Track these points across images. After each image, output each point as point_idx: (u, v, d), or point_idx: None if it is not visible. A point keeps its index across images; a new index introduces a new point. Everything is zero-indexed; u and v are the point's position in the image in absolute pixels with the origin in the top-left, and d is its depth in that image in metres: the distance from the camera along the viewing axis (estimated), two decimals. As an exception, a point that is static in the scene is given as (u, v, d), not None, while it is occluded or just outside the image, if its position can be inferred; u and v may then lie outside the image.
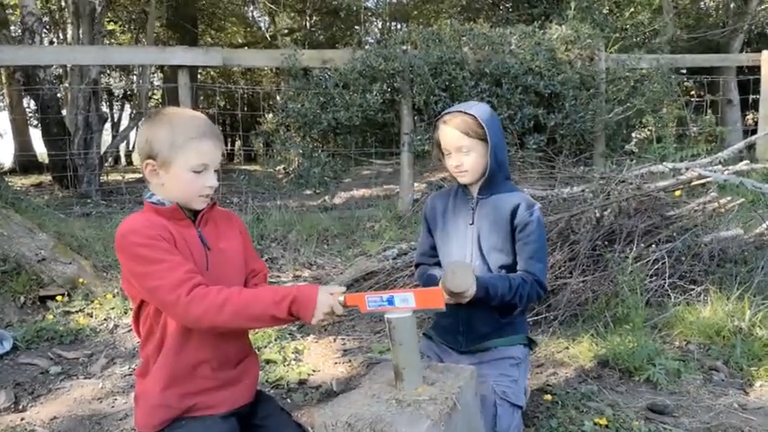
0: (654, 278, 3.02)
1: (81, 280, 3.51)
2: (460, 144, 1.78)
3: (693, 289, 3.01)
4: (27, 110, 13.51)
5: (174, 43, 12.70)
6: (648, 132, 6.44)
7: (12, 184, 6.48)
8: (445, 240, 1.92)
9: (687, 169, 3.87)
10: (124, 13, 14.43)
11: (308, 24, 15.88)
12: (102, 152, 7.92)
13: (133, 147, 15.18)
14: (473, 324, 1.85)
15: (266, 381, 2.51)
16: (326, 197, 6.08)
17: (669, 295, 2.99)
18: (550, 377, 2.46)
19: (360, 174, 7.99)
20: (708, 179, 3.48)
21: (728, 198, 3.57)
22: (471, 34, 5.51)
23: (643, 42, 8.10)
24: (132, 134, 11.18)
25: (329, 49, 10.58)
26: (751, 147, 6.26)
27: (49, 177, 8.12)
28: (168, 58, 5.54)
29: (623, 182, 3.51)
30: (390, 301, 1.38)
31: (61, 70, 10.30)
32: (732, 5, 9.76)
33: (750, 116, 10.11)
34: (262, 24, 18.02)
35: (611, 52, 6.32)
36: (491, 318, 1.83)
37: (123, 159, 15.94)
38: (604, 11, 8.16)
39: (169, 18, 13.64)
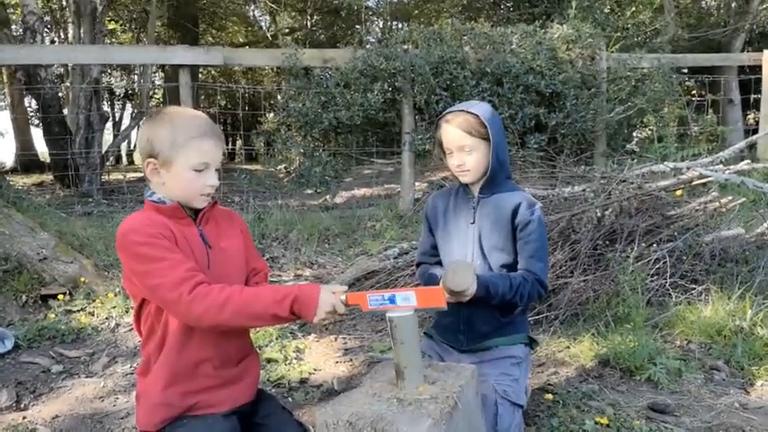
0: (655, 277, 3.02)
1: (82, 279, 3.51)
2: (463, 143, 1.78)
3: (694, 288, 3.01)
4: (28, 109, 13.53)
5: (175, 42, 12.70)
6: (649, 132, 6.43)
7: (13, 184, 6.48)
8: (446, 240, 1.92)
9: (688, 169, 3.87)
10: (125, 13, 14.44)
11: (309, 24, 15.88)
12: (103, 151, 7.94)
13: (134, 146, 15.20)
14: (474, 323, 1.85)
15: (267, 380, 2.52)
16: (327, 196, 6.08)
17: (670, 294, 2.99)
18: (551, 376, 2.46)
19: (361, 173, 7.99)
20: (709, 179, 3.48)
21: (729, 197, 3.57)
22: (472, 34, 5.51)
23: (644, 42, 8.09)
24: (133, 133, 11.19)
25: (330, 48, 10.60)
26: (752, 146, 6.25)
27: (51, 177, 8.12)
28: (169, 57, 5.54)
29: (624, 181, 3.51)
30: (392, 300, 1.38)
31: (62, 69, 10.29)
32: (733, 5, 9.75)
33: (751, 115, 10.11)
34: (263, 24, 18.04)
35: (612, 52, 6.31)
36: (492, 317, 1.83)
37: (125, 159, 15.94)
38: (605, 10, 8.15)
39: (170, 17, 13.64)
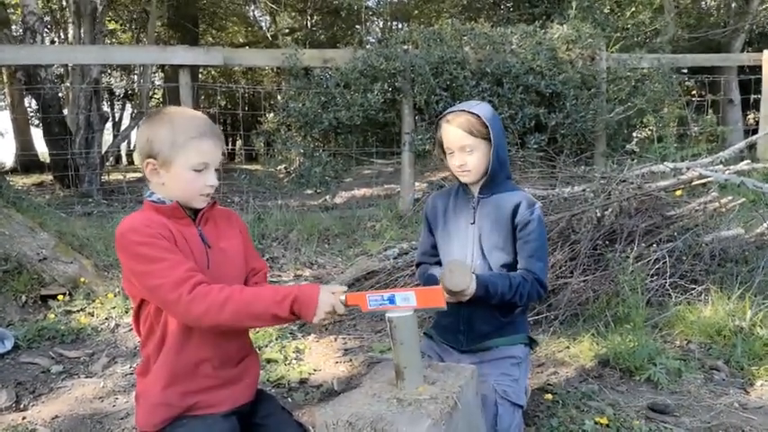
0: (654, 278, 3.02)
1: (82, 279, 3.51)
2: (464, 143, 1.78)
3: (694, 288, 3.01)
4: (28, 109, 13.52)
5: (175, 43, 12.70)
6: (649, 132, 6.43)
7: (13, 184, 6.48)
8: (446, 240, 1.92)
9: (688, 169, 3.87)
10: (125, 13, 14.43)
11: (308, 24, 15.88)
12: (103, 151, 7.93)
13: (134, 146, 15.15)
14: (474, 323, 1.85)
15: (267, 380, 2.52)
16: (327, 197, 6.08)
17: (670, 295, 2.99)
18: (551, 376, 2.46)
19: (360, 173, 7.99)
20: (709, 179, 3.48)
21: (729, 198, 3.57)
22: (472, 34, 5.51)
23: (644, 42, 8.09)
24: (133, 134, 11.17)
25: (330, 48, 10.58)
26: (752, 146, 6.26)
27: (51, 177, 8.12)
28: (169, 57, 5.54)
29: (624, 181, 3.51)
30: (391, 300, 1.38)
31: (62, 70, 10.29)
32: (733, 5, 9.75)
33: (751, 116, 10.10)
34: (263, 24, 18.03)
35: (612, 52, 6.32)
36: (492, 317, 1.83)
37: (124, 159, 15.93)
38: (605, 10, 8.15)
39: (170, 17, 13.64)
